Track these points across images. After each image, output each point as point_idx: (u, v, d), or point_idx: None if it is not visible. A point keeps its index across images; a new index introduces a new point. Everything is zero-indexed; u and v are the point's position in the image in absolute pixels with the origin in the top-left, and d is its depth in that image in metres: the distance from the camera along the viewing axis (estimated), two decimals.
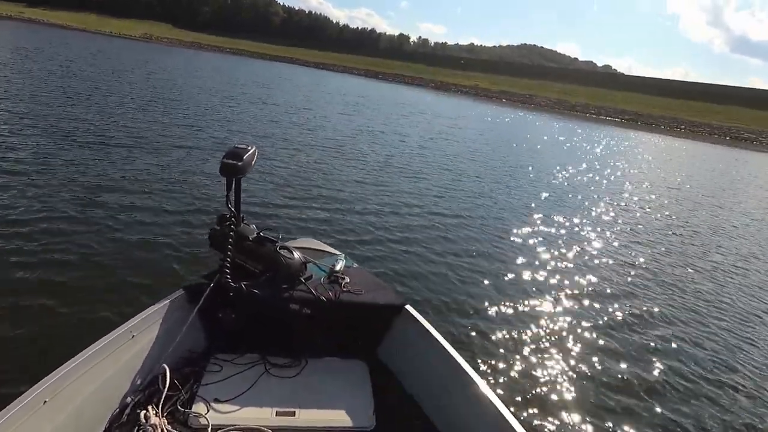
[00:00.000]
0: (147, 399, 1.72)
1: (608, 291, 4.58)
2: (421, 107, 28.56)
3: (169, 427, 1.61)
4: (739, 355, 3.77)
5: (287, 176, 6.91)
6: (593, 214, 7.87)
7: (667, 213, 9.01)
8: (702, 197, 11.64)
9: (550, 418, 2.64)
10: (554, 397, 2.83)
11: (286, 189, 6.27)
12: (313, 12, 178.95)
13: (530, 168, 11.73)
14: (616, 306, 4.26)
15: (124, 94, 12.27)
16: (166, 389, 1.69)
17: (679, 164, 19.70)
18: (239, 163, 1.89)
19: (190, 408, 1.72)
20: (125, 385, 1.73)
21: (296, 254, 2.07)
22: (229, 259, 1.91)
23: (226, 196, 1.94)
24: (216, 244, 2.04)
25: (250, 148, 1.97)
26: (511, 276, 4.55)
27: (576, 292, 4.42)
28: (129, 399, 1.71)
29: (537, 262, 5.02)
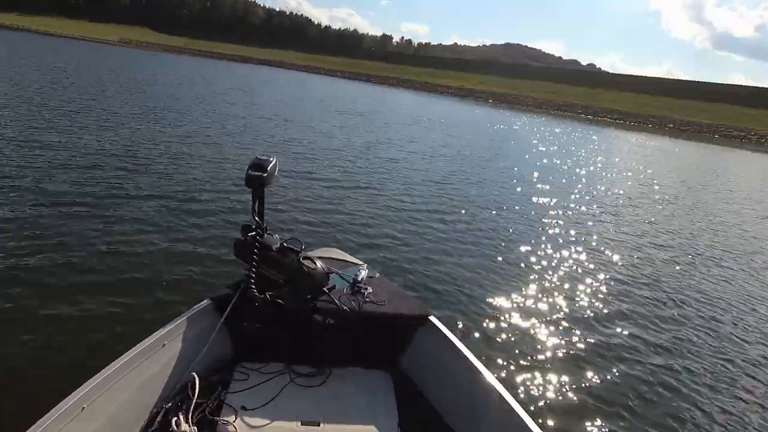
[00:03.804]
0: (177, 406, 1.75)
1: (641, 300, 4.55)
2: (419, 111, 28.56)
3: None
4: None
5: (304, 186, 6.89)
6: (619, 223, 7.78)
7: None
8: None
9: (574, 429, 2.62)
10: (583, 411, 2.80)
11: (304, 198, 6.28)
12: (294, 12, 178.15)
13: (552, 177, 11.42)
14: (650, 317, 4.20)
15: (128, 104, 12.10)
16: (195, 397, 1.72)
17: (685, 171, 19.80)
18: (264, 174, 1.90)
19: (219, 416, 1.74)
20: (157, 392, 1.78)
21: (319, 264, 2.07)
22: (254, 270, 1.92)
23: (251, 206, 1.95)
24: (240, 255, 2.03)
25: (272, 158, 1.97)
26: (540, 285, 4.54)
27: (602, 299, 4.41)
28: (160, 406, 1.75)
29: (566, 274, 4.95)
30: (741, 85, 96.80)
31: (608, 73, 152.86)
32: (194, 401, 1.71)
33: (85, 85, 14.92)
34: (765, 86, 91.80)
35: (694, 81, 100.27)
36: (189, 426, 1.64)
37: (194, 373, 1.78)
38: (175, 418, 1.65)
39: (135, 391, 1.67)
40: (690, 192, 12.43)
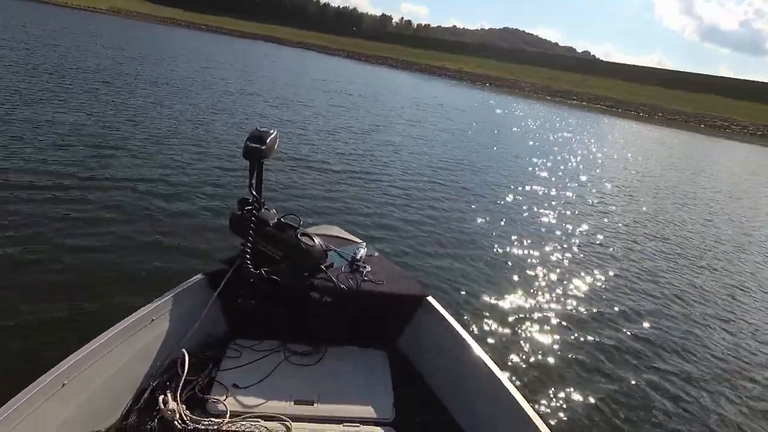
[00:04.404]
0: (165, 383, 1.69)
1: (636, 285, 4.61)
2: (419, 94, 28.22)
3: (187, 413, 1.59)
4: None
5: (303, 163, 6.79)
6: (626, 210, 7.86)
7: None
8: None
9: (570, 414, 2.63)
10: (575, 391, 2.83)
11: (306, 173, 6.22)
12: None
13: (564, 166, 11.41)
14: (643, 298, 4.30)
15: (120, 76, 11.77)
16: (185, 374, 1.66)
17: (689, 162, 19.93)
18: (263, 147, 1.83)
19: (209, 393, 1.70)
20: (144, 368, 1.72)
21: (317, 241, 2.01)
22: (249, 245, 1.86)
23: (249, 179, 1.89)
24: (236, 229, 1.97)
25: (272, 131, 1.90)
26: (542, 269, 4.57)
27: (599, 281, 4.48)
28: (148, 383, 1.69)
29: (564, 258, 5.01)
30: (725, 77, 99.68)
31: (602, 61, 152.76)
32: (183, 378, 1.65)
33: (63, 55, 14.44)
34: (747, 79, 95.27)
35: (683, 71, 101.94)
36: (177, 404, 1.58)
37: (184, 350, 1.71)
38: (163, 395, 1.59)
39: (120, 368, 1.61)
40: (689, 182, 12.53)
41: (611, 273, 4.80)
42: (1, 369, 2.15)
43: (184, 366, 1.67)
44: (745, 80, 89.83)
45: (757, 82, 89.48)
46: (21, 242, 3.27)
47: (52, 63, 11.77)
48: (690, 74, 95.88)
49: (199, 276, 2.00)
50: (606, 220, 6.96)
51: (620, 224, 6.86)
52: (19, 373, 1.93)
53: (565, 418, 2.59)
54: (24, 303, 2.66)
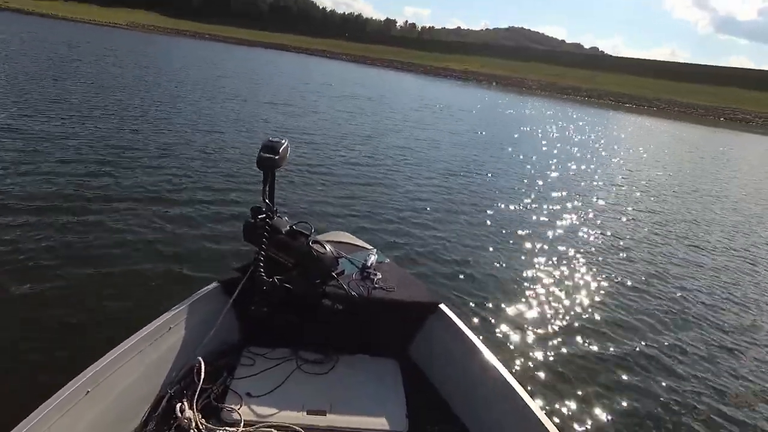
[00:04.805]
0: (182, 391, 1.72)
1: (659, 292, 4.42)
2: (425, 95, 28.18)
3: (203, 421, 1.61)
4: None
5: (315, 171, 6.81)
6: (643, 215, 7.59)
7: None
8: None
9: (586, 423, 2.56)
10: (592, 400, 2.75)
11: (317, 179, 6.25)
12: None
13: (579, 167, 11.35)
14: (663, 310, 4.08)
15: (136, 90, 12.00)
16: (201, 382, 1.68)
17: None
18: (276, 157, 1.86)
19: (224, 402, 1.72)
20: (162, 376, 1.75)
21: (328, 248, 2.02)
22: (263, 253, 1.88)
23: (263, 189, 1.91)
24: (250, 237, 1.99)
25: (283, 141, 1.92)
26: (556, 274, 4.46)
27: (620, 292, 4.28)
28: (165, 391, 1.72)
29: (583, 266, 4.78)
30: (745, 68, 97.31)
31: (610, 56, 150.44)
32: (199, 386, 1.67)
33: (84, 67, 14.77)
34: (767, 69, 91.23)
35: (698, 64, 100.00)
36: (193, 413, 1.62)
37: (200, 358, 1.73)
38: (180, 404, 1.62)
39: (140, 375, 1.64)
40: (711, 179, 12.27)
41: (631, 280, 4.60)
42: (24, 377, 2.21)
43: (200, 374, 1.68)
44: (765, 71, 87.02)
45: None
46: (43, 251, 3.35)
47: (75, 77, 12.04)
48: (706, 66, 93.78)
49: (213, 284, 2.02)
50: (626, 223, 6.74)
51: (641, 228, 6.60)
52: (38, 381, 2.01)
53: (581, 429, 2.53)
54: (44, 311, 2.73)
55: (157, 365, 1.72)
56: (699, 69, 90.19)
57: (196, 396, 1.67)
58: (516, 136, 15.40)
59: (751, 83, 75.56)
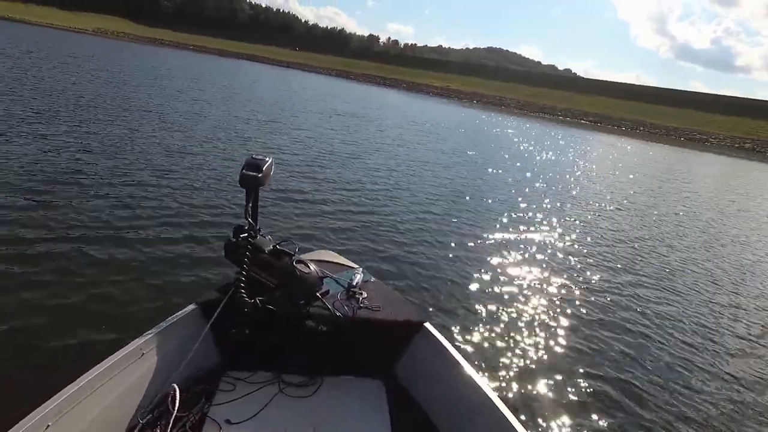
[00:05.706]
0: (155, 421, 1.62)
1: (642, 309, 4.54)
2: (408, 112, 28.47)
3: None
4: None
5: (298, 188, 6.72)
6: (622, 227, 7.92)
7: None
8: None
9: None
10: (577, 418, 2.77)
11: (301, 197, 6.17)
12: (281, 9, 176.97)
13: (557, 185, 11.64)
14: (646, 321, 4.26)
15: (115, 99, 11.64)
16: (175, 411, 1.59)
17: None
18: (259, 174, 1.83)
19: (201, 430, 1.64)
20: (133, 406, 1.65)
21: (313, 268, 1.98)
22: (244, 273, 1.81)
23: (245, 207, 1.86)
24: (231, 256, 1.92)
25: (267, 158, 1.88)
26: (541, 292, 4.52)
27: (600, 308, 4.39)
28: (137, 421, 1.62)
29: (566, 283, 4.88)
30: (702, 92, 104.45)
31: (583, 78, 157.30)
32: (174, 414, 1.59)
33: (50, 75, 14.34)
34: (722, 94, 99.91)
35: (661, 87, 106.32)
36: None
37: (175, 384, 1.65)
38: None
39: (108, 406, 1.54)
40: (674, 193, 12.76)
41: (612, 296, 4.72)
42: None
43: (174, 402, 1.60)
44: (720, 95, 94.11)
45: (731, 96, 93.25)
46: (3, 276, 3.13)
47: (34, 87, 11.65)
48: (669, 90, 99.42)
49: (191, 306, 1.94)
50: (609, 242, 6.88)
51: (624, 246, 6.77)
52: None
53: None
54: (4, 341, 2.53)
55: (128, 394, 1.63)
56: (662, 92, 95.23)
57: (170, 425, 1.58)
58: (506, 156, 15.59)
59: (706, 107, 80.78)
